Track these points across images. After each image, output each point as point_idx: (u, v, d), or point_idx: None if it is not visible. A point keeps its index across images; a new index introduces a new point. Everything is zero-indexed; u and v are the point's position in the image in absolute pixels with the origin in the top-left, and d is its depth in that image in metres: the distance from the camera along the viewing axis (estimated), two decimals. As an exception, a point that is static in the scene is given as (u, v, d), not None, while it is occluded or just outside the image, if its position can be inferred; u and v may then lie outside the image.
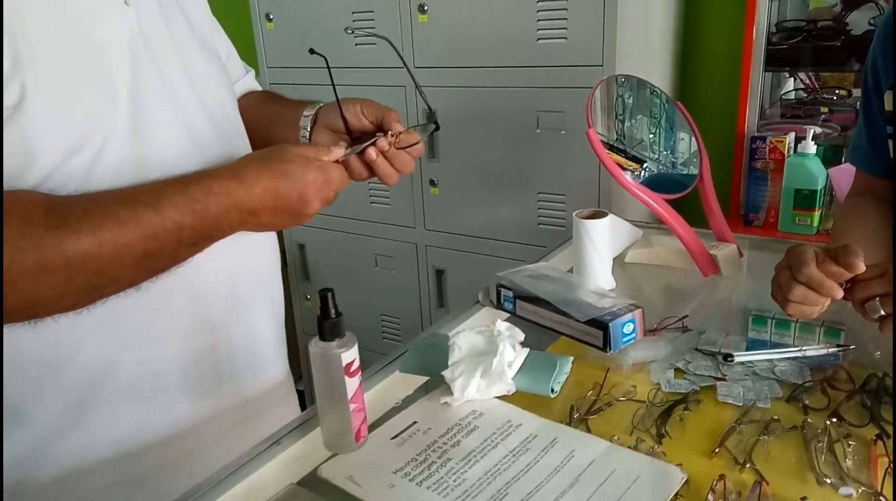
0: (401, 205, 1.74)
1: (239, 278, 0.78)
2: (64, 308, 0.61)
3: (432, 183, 1.67)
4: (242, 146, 0.81)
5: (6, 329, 0.63)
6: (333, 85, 0.80)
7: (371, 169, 0.78)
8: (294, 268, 2.02)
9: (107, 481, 0.72)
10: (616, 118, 1.11)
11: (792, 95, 1.78)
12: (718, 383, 0.74)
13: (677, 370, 0.78)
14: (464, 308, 0.97)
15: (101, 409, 0.69)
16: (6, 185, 0.59)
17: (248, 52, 0.99)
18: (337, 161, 0.72)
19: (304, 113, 0.86)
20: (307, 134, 0.86)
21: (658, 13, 1.54)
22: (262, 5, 1.78)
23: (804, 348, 0.79)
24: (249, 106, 0.92)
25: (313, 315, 2.11)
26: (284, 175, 0.67)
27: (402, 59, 0.82)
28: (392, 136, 0.78)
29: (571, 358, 0.77)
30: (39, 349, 0.66)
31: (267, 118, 0.90)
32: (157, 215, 0.60)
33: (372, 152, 0.77)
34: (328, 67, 0.78)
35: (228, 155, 0.73)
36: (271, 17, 1.77)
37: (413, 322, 1.84)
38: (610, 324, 0.80)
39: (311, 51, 0.83)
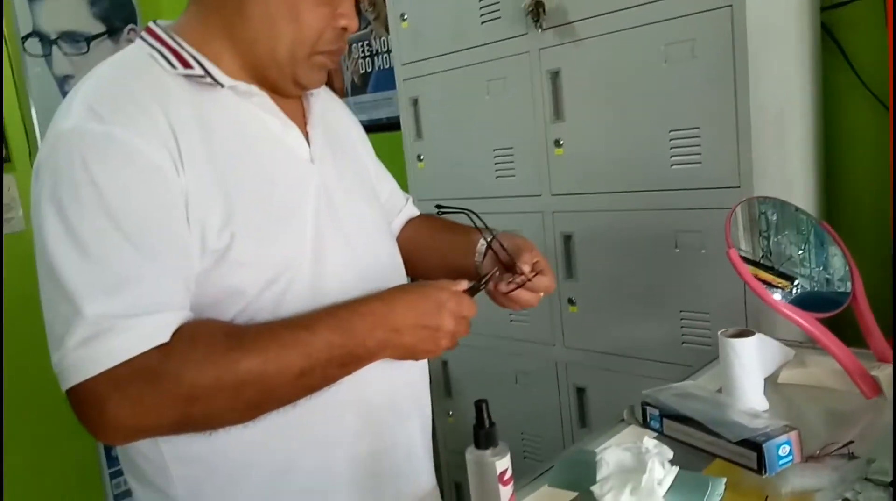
0: (540, 323, 1.79)
1: (397, 390, 0.86)
2: (233, 421, 0.72)
3: (570, 302, 1.71)
4: (399, 278, 0.93)
5: (194, 436, 0.74)
6: (489, 228, 0.92)
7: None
8: (437, 385, 2.09)
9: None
10: (760, 235, 1.12)
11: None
12: (892, 515, 0.70)
13: (845, 500, 0.74)
14: (609, 426, 0.98)
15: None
16: (217, 313, 0.72)
17: (402, 189, 1.15)
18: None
19: (481, 241, 0.96)
20: (481, 259, 0.96)
21: (795, 133, 1.55)
22: (414, 148, 1.99)
23: None
24: (421, 233, 1.06)
25: (455, 431, 2.16)
26: (422, 294, 0.78)
27: (485, 225, 0.93)
28: (513, 276, 0.88)
29: (724, 479, 0.76)
30: (233, 449, 0.76)
31: (443, 246, 1.03)
32: (311, 334, 0.71)
33: (491, 289, 0.88)
34: (479, 217, 0.90)
35: (388, 286, 0.84)
36: (421, 157, 1.98)
37: (554, 441, 1.83)
38: (764, 445, 0.78)
39: (438, 207, 0.97)
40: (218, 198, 0.72)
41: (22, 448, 2.66)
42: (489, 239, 0.93)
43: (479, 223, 0.92)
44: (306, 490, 0.78)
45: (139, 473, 0.79)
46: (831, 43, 1.63)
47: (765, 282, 1.03)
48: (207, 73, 0.75)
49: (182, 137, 0.71)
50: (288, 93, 0.82)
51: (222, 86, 0.76)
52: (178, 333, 0.68)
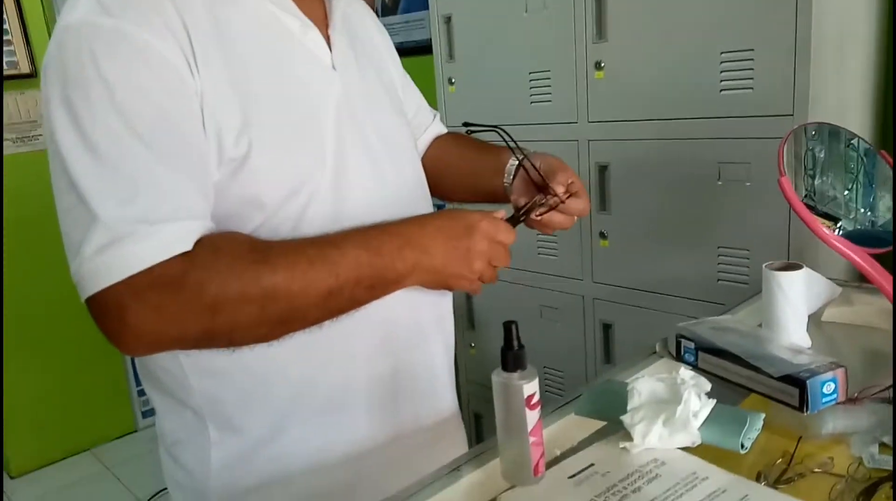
0: (569, 256, 1.74)
1: (420, 311, 0.83)
2: (258, 338, 0.68)
3: (602, 236, 1.65)
4: (424, 202, 0.88)
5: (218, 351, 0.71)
6: (520, 148, 0.86)
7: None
8: (460, 316, 2.07)
9: (297, 492, 0.77)
10: (806, 173, 1.05)
11: None
12: (934, 462, 0.65)
13: (882, 444, 0.69)
14: (640, 358, 0.94)
15: (300, 422, 0.76)
16: (235, 226, 0.68)
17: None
18: None
19: (511, 162, 0.91)
20: (511, 180, 0.90)
21: (856, 54, 1.44)
22: (446, 70, 1.90)
23: None
24: (448, 151, 1.01)
25: (477, 363, 2.14)
26: (453, 216, 0.74)
27: (516, 144, 0.86)
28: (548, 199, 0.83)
29: (763, 415, 0.72)
30: (255, 363, 0.73)
31: (471, 166, 0.97)
32: (339, 252, 0.67)
33: (535, 216, 0.83)
34: (511, 139, 0.84)
35: (413, 209, 0.80)
36: (453, 80, 1.89)
37: (578, 378, 1.81)
38: (808, 382, 0.74)
39: (466, 124, 0.90)
40: (234, 102, 0.67)
41: (52, 367, 2.74)
42: (520, 159, 0.87)
43: (510, 143, 0.86)
44: (326, 405, 0.76)
45: (159, 384, 0.77)
46: (904, -39, 1.49)
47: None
48: None
49: (196, 36, 0.66)
50: None
51: None
52: (201, 242, 0.64)
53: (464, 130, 0.96)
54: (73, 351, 2.76)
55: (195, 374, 0.74)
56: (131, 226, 0.61)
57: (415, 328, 0.82)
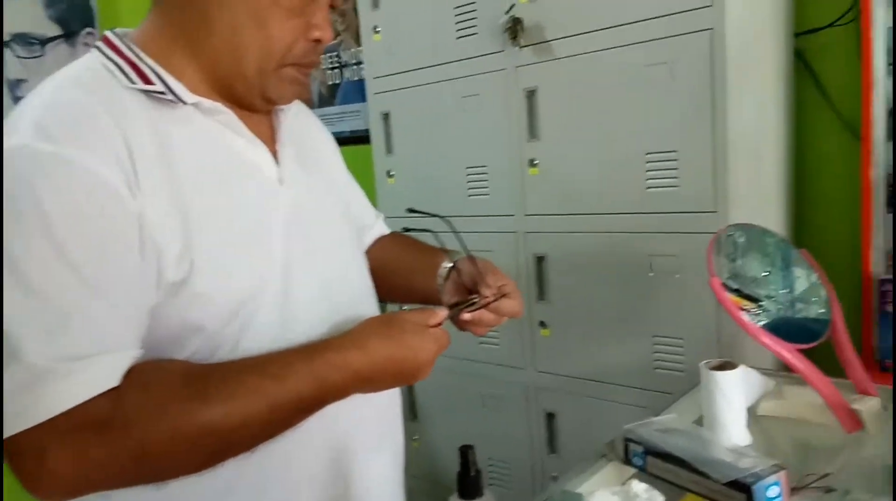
0: (510, 346, 1.75)
1: (368, 424, 0.81)
2: (186, 472, 0.65)
3: (542, 325, 1.68)
4: (369, 306, 0.88)
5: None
6: (463, 247, 0.87)
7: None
8: (404, 409, 2.03)
9: None
10: (728, 257, 1.11)
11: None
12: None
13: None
14: (589, 462, 0.95)
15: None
16: (173, 349, 0.66)
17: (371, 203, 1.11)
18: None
19: (444, 264, 0.92)
20: (443, 281, 0.91)
21: (769, 158, 1.55)
22: (385, 163, 1.94)
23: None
24: (386, 252, 1.01)
25: (421, 457, 2.08)
26: (404, 345, 0.72)
27: (455, 231, 0.88)
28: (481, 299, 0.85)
29: (714, 524, 0.73)
30: (186, 499, 0.69)
31: (407, 267, 0.98)
32: (281, 386, 0.65)
33: (466, 316, 0.84)
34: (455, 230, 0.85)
35: (359, 316, 0.79)
36: (392, 173, 1.93)
37: (522, 468, 1.79)
38: (754, 487, 0.75)
39: (410, 211, 0.93)
40: (176, 224, 0.66)
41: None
42: (453, 262, 0.90)
43: (446, 238, 0.88)
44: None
45: None
46: (804, 70, 1.64)
47: (738, 307, 1.02)
48: (169, 89, 0.69)
49: (138, 157, 0.65)
50: (256, 108, 0.77)
51: (185, 103, 0.70)
52: (129, 376, 0.61)
53: (406, 220, 0.97)
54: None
55: None
56: (55, 363, 0.58)
57: (363, 445, 0.80)
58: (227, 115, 0.73)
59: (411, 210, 0.96)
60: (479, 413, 1.84)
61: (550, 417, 1.71)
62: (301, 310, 0.75)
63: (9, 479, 0.70)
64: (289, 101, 0.79)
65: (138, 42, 0.72)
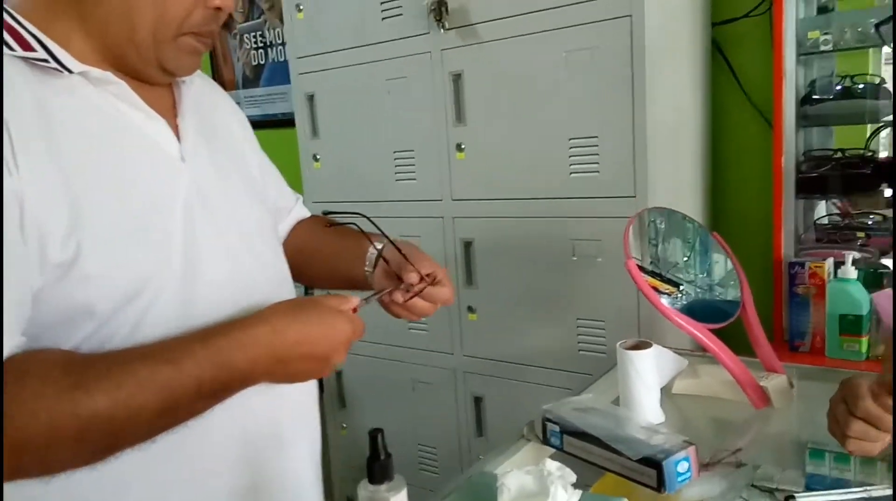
0: (439, 331, 1.75)
1: (281, 416, 0.78)
2: (76, 466, 0.61)
3: (470, 309, 1.68)
4: (287, 290, 0.84)
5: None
6: (384, 235, 0.87)
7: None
8: (330, 396, 2.01)
9: None
10: (650, 243, 1.14)
11: (826, 220, 1.79)
12: (778, 522, 0.70)
13: (741, 501, 0.74)
14: (510, 443, 0.95)
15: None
16: (60, 336, 0.62)
17: (296, 189, 1.07)
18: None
19: (371, 250, 0.90)
20: (372, 268, 0.89)
21: (687, 145, 1.60)
22: (311, 147, 1.89)
23: (869, 488, 0.75)
24: (310, 236, 0.98)
25: (349, 445, 2.06)
26: (320, 324, 0.69)
27: (380, 231, 0.87)
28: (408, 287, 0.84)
29: (625, 500, 0.74)
30: (79, 494, 0.65)
31: (331, 251, 0.95)
32: (176, 371, 0.61)
33: (385, 299, 0.83)
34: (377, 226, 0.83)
35: (274, 297, 0.75)
36: (318, 157, 1.88)
37: (451, 451, 1.79)
38: (664, 463, 0.77)
39: (325, 213, 0.91)
40: (61, 201, 0.61)
41: None
42: (380, 248, 0.88)
43: (373, 230, 0.86)
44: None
45: None
46: (720, 58, 1.69)
47: (657, 289, 1.04)
48: (52, 56, 0.64)
49: (16, 130, 0.60)
50: (153, 79, 0.72)
51: (70, 72, 0.65)
52: (7, 367, 0.57)
53: (326, 217, 0.95)
54: None
55: None
56: None
57: (276, 436, 0.77)
58: (119, 86, 0.68)
59: (327, 212, 0.94)
60: (408, 399, 1.83)
61: (478, 400, 1.72)
62: (207, 295, 0.71)
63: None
64: (188, 72, 0.75)
65: (18, 8, 0.66)
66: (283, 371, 0.68)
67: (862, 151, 1.59)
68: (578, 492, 0.72)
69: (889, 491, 0.76)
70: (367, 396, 1.95)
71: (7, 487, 0.61)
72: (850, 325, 1.44)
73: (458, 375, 1.74)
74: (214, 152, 0.79)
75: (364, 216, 0.85)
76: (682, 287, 1.12)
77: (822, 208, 1.78)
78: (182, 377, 0.61)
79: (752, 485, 0.78)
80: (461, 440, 1.78)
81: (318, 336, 0.68)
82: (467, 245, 1.65)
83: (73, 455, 0.58)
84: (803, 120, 1.57)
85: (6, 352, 0.57)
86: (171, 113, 0.75)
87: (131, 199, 0.67)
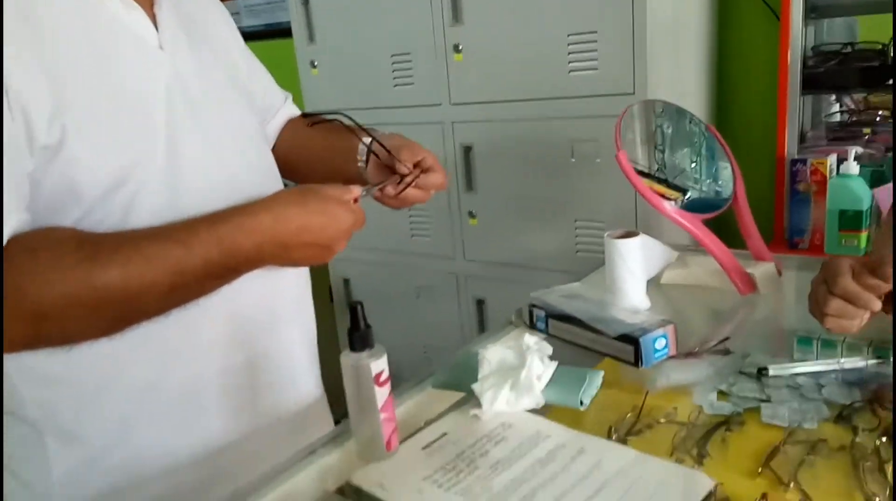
0: (441, 237, 1.77)
1: (273, 297, 0.81)
2: (95, 336, 0.65)
3: (471, 214, 1.70)
4: (274, 184, 0.86)
5: (50, 352, 0.66)
6: (365, 130, 0.88)
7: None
8: (339, 302, 2.06)
9: (150, 495, 0.75)
10: (656, 148, 1.12)
11: (836, 118, 1.75)
12: (763, 404, 0.71)
13: (720, 392, 0.75)
14: (498, 329, 0.98)
15: (145, 426, 0.73)
16: (50, 219, 0.64)
17: (296, 99, 1.06)
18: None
19: (361, 146, 0.90)
20: (365, 164, 0.90)
21: (689, 40, 1.55)
22: (308, 53, 1.87)
23: (841, 360, 0.78)
24: (301, 134, 0.98)
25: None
26: (322, 213, 0.71)
27: (360, 127, 0.88)
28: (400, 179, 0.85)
29: (602, 372, 0.77)
30: (87, 370, 0.69)
31: (326, 149, 0.95)
32: (185, 251, 0.63)
33: (377, 195, 0.84)
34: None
35: (261, 193, 0.76)
36: (315, 63, 1.86)
37: (456, 354, 1.85)
38: (641, 339, 0.80)
39: (304, 115, 0.90)
40: (43, 85, 0.62)
41: None
42: (368, 143, 0.88)
43: (357, 127, 0.86)
44: (174, 404, 0.74)
45: None
46: (727, -51, 1.62)
47: (660, 194, 1.04)
48: None
49: None
50: None
51: None
52: (17, 240, 0.59)
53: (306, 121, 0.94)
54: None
55: (26, 383, 0.69)
56: None
57: (269, 316, 0.81)
58: None
59: (306, 115, 0.94)
60: (412, 305, 1.88)
61: (480, 303, 1.76)
62: (191, 190, 0.72)
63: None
64: None
65: None
66: (286, 256, 0.71)
67: (881, 45, 1.53)
68: (554, 363, 0.75)
69: (861, 364, 0.78)
70: (372, 303, 1.99)
71: (29, 362, 0.65)
72: (850, 220, 1.44)
73: (461, 279, 1.78)
74: (196, 47, 0.79)
75: (345, 115, 0.85)
76: (688, 194, 1.10)
77: (834, 108, 1.74)
78: (191, 256, 0.63)
79: (740, 372, 0.79)
80: (465, 342, 1.83)
81: (320, 225, 0.70)
82: (467, 150, 1.65)
83: (90, 324, 0.62)
84: (812, 12, 1.52)
85: (13, 228, 0.60)
86: (149, 4, 0.74)
87: (112, 84, 0.67)
